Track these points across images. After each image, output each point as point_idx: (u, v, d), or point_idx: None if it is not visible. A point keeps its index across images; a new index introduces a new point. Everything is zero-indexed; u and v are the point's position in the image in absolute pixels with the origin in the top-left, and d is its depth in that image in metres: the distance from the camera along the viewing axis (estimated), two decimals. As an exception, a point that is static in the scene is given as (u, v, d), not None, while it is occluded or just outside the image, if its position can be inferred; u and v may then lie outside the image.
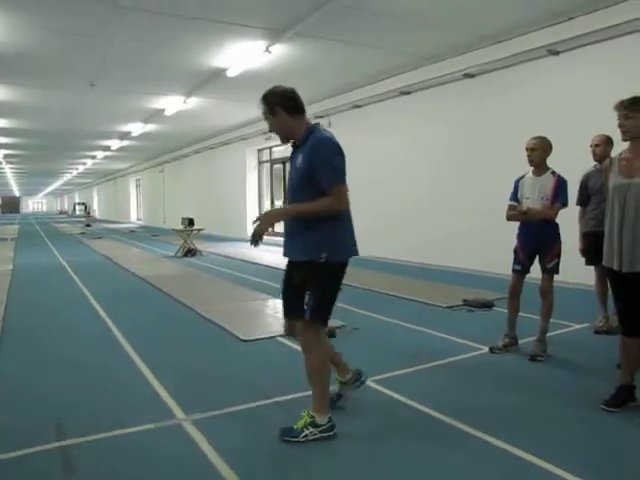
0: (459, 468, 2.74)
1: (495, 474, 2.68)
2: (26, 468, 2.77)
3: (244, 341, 5.19)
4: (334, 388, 3.47)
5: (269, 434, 3.08)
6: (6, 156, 24.69)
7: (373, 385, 3.91)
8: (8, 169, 33.38)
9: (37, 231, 26.86)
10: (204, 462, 2.80)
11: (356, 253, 3.16)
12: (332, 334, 5.28)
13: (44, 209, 79.50)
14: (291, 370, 4.28)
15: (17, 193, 68.79)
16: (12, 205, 73.14)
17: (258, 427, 3.23)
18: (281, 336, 5.27)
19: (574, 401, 3.56)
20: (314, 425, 3.00)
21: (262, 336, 5.32)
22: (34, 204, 79.50)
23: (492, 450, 2.89)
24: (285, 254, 3.22)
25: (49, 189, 61.58)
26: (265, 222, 2.99)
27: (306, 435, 2.97)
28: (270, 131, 3.16)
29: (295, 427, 3.02)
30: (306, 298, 3.06)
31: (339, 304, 6.72)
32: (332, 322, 5.63)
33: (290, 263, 3.20)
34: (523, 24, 7.48)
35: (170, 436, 3.12)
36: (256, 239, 3.00)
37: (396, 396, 3.69)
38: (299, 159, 3.02)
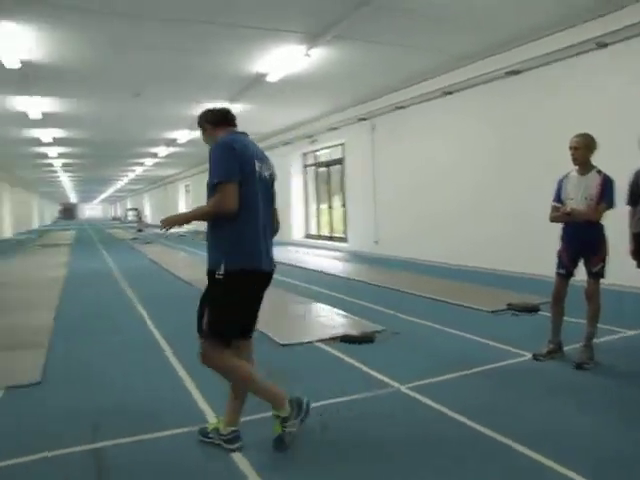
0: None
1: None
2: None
3: (283, 345, 5.19)
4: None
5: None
6: (63, 165, 25.62)
7: (409, 392, 3.83)
8: (65, 177, 34.64)
9: (91, 237, 27.75)
10: (231, 467, 2.81)
11: (257, 265, 2.89)
12: (371, 339, 5.24)
13: (99, 215, 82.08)
14: (327, 375, 4.28)
15: (74, 200, 71.31)
16: (70, 212, 75.95)
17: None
18: (320, 341, 5.25)
19: (623, 414, 3.37)
20: (218, 432, 3.02)
21: (299, 341, 5.31)
22: (90, 210, 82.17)
23: (531, 465, 2.76)
24: None
25: (103, 196, 63.60)
26: (164, 223, 2.99)
27: (212, 438, 3.03)
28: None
29: (207, 426, 3.14)
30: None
31: (378, 307, 6.74)
32: (371, 326, 5.64)
33: None
34: (568, 17, 7.22)
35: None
36: (164, 226, 3.00)
37: (432, 404, 3.59)
38: None
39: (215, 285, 2.87)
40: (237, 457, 2.91)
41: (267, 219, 3.01)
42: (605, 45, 7.38)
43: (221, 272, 2.82)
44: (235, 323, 2.94)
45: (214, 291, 2.90)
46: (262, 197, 2.94)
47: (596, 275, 4.32)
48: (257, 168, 2.91)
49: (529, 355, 4.55)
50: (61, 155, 21.36)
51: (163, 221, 2.98)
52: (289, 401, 3.00)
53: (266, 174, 3.00)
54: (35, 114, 12.23)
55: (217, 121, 3.15)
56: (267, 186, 3.02)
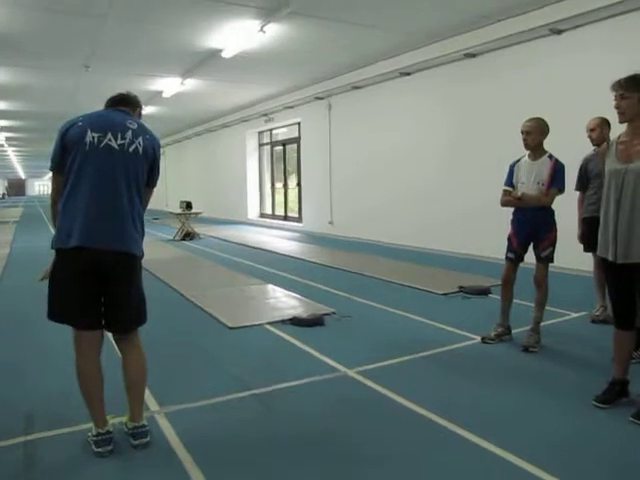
0: (437, 467, 2.61)
1: (473, 475, 2.55)
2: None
3: (231, 328, 5.07)
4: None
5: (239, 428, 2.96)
6: (8, 139, 24.56)
7: (356, 376, 3.78)
8: (11, 152, 33.29)
9: (40, 214, 26.82)
10: (170, 454, 2.70)
11: (65, 241, 2.64)
12: (321, 322, 5.17)
13: (49, 191, 79.42)
14: (274, 359, 4.20)
15: (23, 176, 68.79)
16: (18, 187, 73.25)
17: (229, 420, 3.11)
18: (270, 324, 5.16)
19: (565, 396, 3.41)
20: (90, 431, 2.82)
21: (249, 324, 5.20)
22: (40, 186, 79.45)
23: (472, 448, 2.75)
24: None
25: (54, 171, 61.51)
26: None
27: (88, 436, 2.81)
28: None
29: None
30: None
31: (330, 289, 6.69)
32: (322, 309, 5.58)
33: None
34: (525, 2, 7.21)
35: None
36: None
37: (378, 388, 3.56)
38: None
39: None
40: (178, 449, 2.80)
41: (107, 191, 2.69)
42: (560, 32, 7.42)
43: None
44: (57, 303, 2.74)
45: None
46: (96, 168, 2.68)
47: (545, 260, 4.33)
48: (89, 139, 2.67)
49: (478, 338, 4.57)
50: (4, 128, 20.44)
51: None
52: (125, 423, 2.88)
53: (114, 144, 2.71)
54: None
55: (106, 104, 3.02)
56: (111, 156, 2.70)
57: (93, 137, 2.68)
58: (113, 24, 8.04)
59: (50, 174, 2.96)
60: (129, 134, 2.76)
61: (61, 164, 2.72)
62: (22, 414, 3.20)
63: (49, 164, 2.77)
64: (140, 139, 2.78)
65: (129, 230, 2.74)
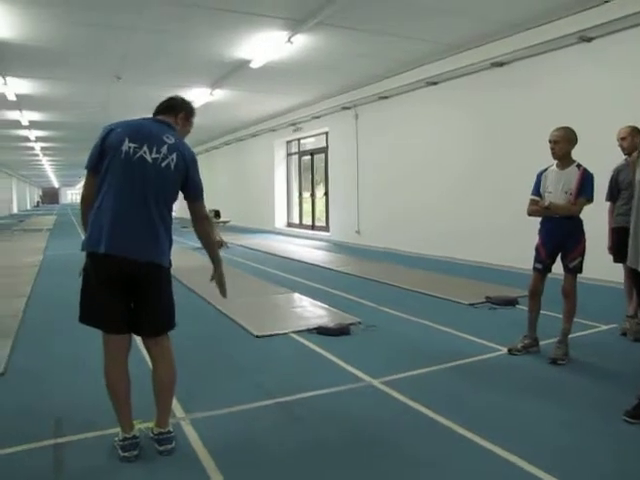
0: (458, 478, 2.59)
1: (500, 488, 2.52)
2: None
3: (257, 337, 5.11)
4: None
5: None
6: (43, 149, 25.18)
7: (380, 387, 3.77)
8: (45, 161, 34.08)
9: (72, 222, 27.37)
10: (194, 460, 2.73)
11: (95, 246, 2.69)
12: (347, 331, 5.17)
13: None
14: (299, 368, 4.22)
15: (56, 184, 70.35)
16: (52, 196, 75.01)
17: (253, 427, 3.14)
18: (295, 332, 5.19)
19: (593, 410, 3.34)
20: (117, 435, 2.87)
21: (275, 332, 5.23)
22: (72, 195, 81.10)
23: (496, 460, 2.72)
24: None
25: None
26: None
27: (115, 440, 2.86)
28: None
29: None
30: None
31: (356, 298, 6.68)
32: (348, 318, 5.58)
33: None
34: (554, 9, 7.16)
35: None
36: None
37: (402, 398, 3.54)
38: None
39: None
40: (202, 455, 2.83)
41: (136, 202, 2.74)
42: (589, 39, 7.33)
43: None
44: (87, 306, 2.82)
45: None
46: (128, 179, 2.74)
47: (573, 270, 4.27)
48: (125, 148, 2.75)
49: (505, 349, 4.51)
50: (39, 139, 20.97)
51: None
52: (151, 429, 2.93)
53: (148, 157, 2.77)
54: (9, 95, 11.92)
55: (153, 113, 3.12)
56: (144, 169, 2.76)
57: (129, 147, 2.76)
58: (143, 36, 8.22)
59: (82, 179, 3.08)
60: (164, 149, 2.82)
61: (97, 166, 2.80)
62: (52, 418, 3.27)
63: (86, 162, 2.85)
64: (174, 155, 2.84)
65: (156, 241, 2.79)
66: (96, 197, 2.77)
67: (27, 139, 20.70)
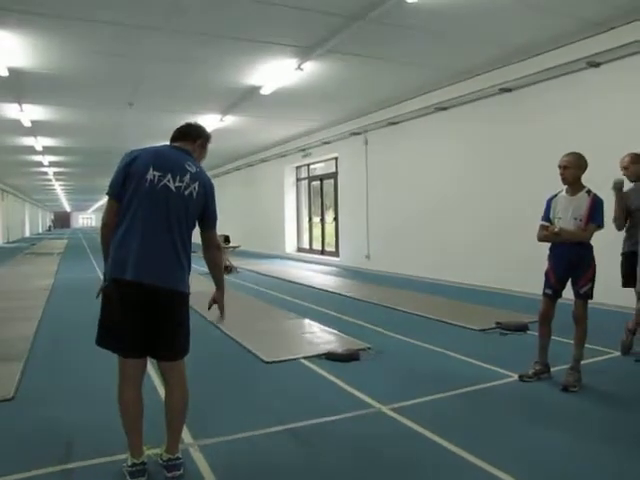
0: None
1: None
2: None
3: (266, 363, 5.09)
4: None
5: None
6: (56, 173, 25.51)
7: (390, 413, 3.74)
8: (58, 186, 34.50)
9: (83, 246, 27.58)
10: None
11: (121, 273, 2.73)
12: (356, 357, 5.15)
13: (93, 224, 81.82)
14: (309, 394, 4.19)
15: (68, 209, 71.04)
16: (63, 220, 75.72)
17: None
18: (305, 358, 5.17)
19: (608, 439, 3.29)
20: (126, 461, 2.86)
21: (285, 358, 5.22)
22: (83, 219, 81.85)
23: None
24: None
25: (97, 205, 63.34)
26: None
27: (123, 466, 2.86)
28: None
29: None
30: None
31: (366, 324, 6.66)
32: (357, 344, 5.55)
33: None
34: (561, 36, 7.24)
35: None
36: None
37: (412, 425, 3.51)
38: None
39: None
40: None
41: (160, 230, 2.79)
42: (597, 65, 7.38)
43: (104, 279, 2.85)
44: (106, 331, 2.82)
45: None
46: (151, 207, 2.78)
47: (584, 296, 4.25)
48: (150, 176, 2.79)
49: (516, 376, 4.47)
50: (52, 164, 21.26)
51: None
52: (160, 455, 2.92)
53: (172, 186, 2.81)
54: (25, 122, 12.14)
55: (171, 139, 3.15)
56: (168, 197, 2.81)
57: (154, 175, 2.80)
58: (156, 65, 8.38)
59: (99, 203, 3.10)
60: (187, 177, 2.86)
61: (120, 193, 2.81)
62: (62, 443, 3.26)
63: (107, 189, 2.86)
64: (196, 184, 2.89)
65: (180, 269, 2.84)
66: (119, 223, 2.80)
67: (41, 164, 21.01)
